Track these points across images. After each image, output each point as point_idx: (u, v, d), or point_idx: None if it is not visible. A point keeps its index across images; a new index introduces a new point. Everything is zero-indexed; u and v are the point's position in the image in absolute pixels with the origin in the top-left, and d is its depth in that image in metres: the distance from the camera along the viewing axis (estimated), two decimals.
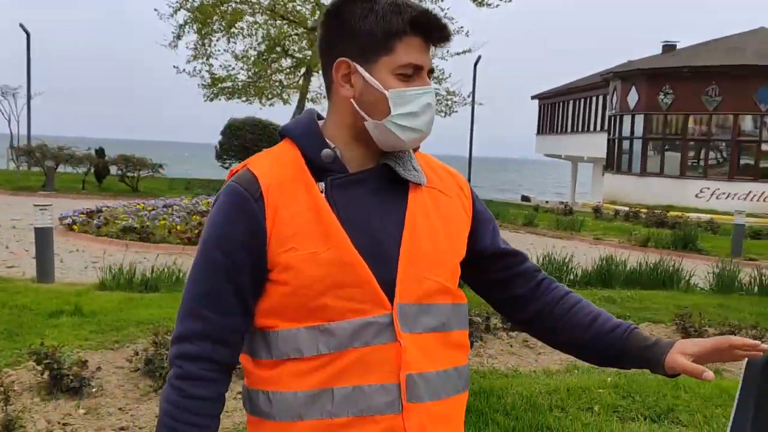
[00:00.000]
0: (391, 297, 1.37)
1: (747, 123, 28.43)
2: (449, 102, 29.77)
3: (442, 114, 30.22)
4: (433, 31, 1.41)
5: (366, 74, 1.40)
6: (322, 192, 1.39)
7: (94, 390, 4.61)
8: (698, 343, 1.51)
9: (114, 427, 4.15)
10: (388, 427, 1.36)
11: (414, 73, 1.40)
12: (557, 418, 4.54)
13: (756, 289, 9.54)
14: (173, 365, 1.40)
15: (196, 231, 12.27)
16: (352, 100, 1.42)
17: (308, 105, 30.75)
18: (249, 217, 1.37)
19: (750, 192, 27.64)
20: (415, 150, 1.52)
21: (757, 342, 1.49)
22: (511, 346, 6.22)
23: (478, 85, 29.66)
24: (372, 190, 1.43)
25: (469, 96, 29.18)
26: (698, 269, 10.35)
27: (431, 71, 1.44)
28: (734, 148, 28.49)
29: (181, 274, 8.36)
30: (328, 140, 1.44)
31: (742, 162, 28.68)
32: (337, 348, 1.36)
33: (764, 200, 27.37)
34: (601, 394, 4.96)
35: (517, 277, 1.61)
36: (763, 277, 9.61)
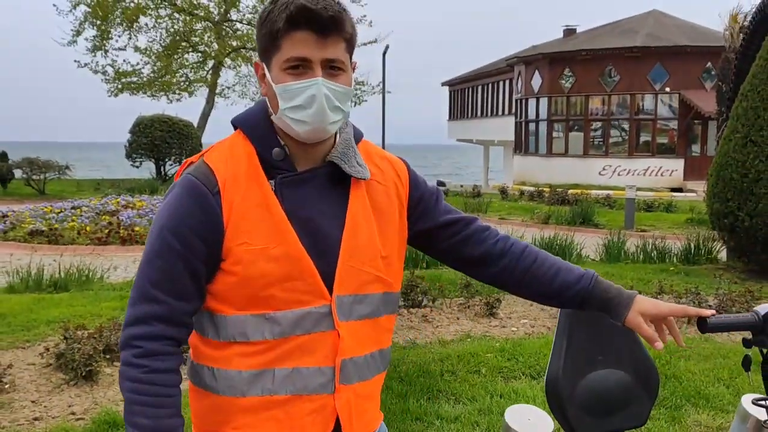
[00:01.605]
0: (330, 289, 1.47)
1: (644, 102, 29.91)
2: (357, 92, 30.17)
3: (352, 104, 30.59)
4: (316, 22, 1.42)
5: (267, 73, 1.49)
6: (273, 190, 1.46)
7: (6, 386, 4.76)
8: (657, 306, 1.63)
9: (27, 419, 4.33)
10: (321, 405, 1.48)
11: (303, 66, 1.44)
12: (447, 381, 4.99)
13: (641, 256, 10.34)
14: (130, 346, 1.43)
15: (106, 231, 12.25)
16: (265, 97, 1.53)
17: (217, 99, 30.57)
18: (206, 210, 1.43)
19: (648, 167, 29.16)
20: (360, 140, 1.61)
21: (711, 311, 1.67)
22: (411, 321, 6.65)
23: (391, 74, 30.13)
24: (317, 187, 1.50)
25: (378, 85, 29.62)
26: (592, 242, 11.08)
27: (329, 61, 1.45)
28: (632, 126, 29.97)
29: (90, 274, 8.44)
30: (278, 137, 1.51)
31: (641, 139, 30.19)
32: (281, 335, 1.45)
33: (661, 174, 28.94)
34: (488, 359, 5.45)
35: (466, 240, 1.67)
36: (647, 246, 10.42)
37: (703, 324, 1.71)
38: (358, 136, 1.62)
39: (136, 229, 12.40)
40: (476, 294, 7.21)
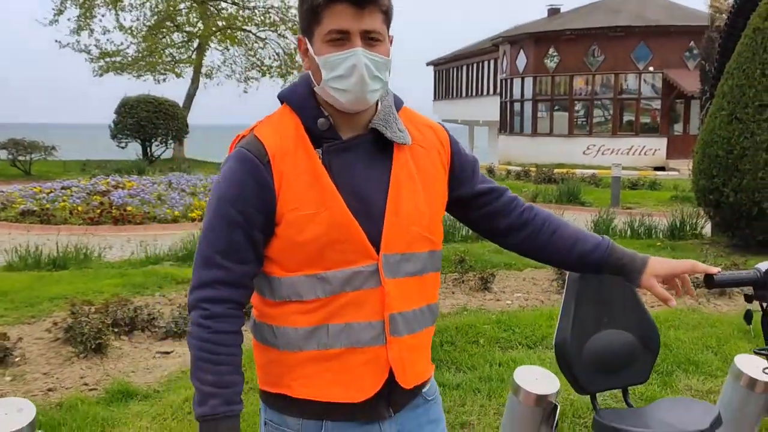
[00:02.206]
0: (377, 249, 1.56)
1: (628, 81, 30.12)
2: None
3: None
4: None
5: (309, 46, 1.56)
6: (319, 158, 1.55)
7: (17, 359, 4.87)
8: (669, 265, 1.73)
9: (42, 389, 4.45)
10: (374, 356, 1.58)
11: (343, 38, 1.50)
12: (447, 352, 5.15)
13: (629, 232, 10.56)
14: (197, 308, 1.54)
15: (98, 211, 12.29)
16: (309, 71, 1.60)
17: (202, 79, 30.42)
18: (259, 180, 1.52)
19: (632, 147, 29.44)
20: (401, 107, 1.68)
21: (717, 269, 1.80)
22: None
23: None
24: (362, 154, 1.58)
25: None
26: (581, 219, 11.28)
27: (367, 33, 1.52)
28: (616, 105, 30.20)
29: (88, 252, 8.52)
30: (322, 108, 1.59)
31: (625, 119, 30.44)
32: (332, 293, 1.55)
33: (644, 154, 29.24)
34: (486, 329, 5.61)
35: (497, 211, 1.77)
36: (634, 223, 10.64)
37: (710, 280, 1.86)
38: (398, 104, 1.69)
39: (128, 209, 12.44)
40: (470, 269, 7.37)
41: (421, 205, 1.63)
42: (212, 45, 30.24)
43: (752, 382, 2.94)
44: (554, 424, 2.80)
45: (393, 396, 1.65)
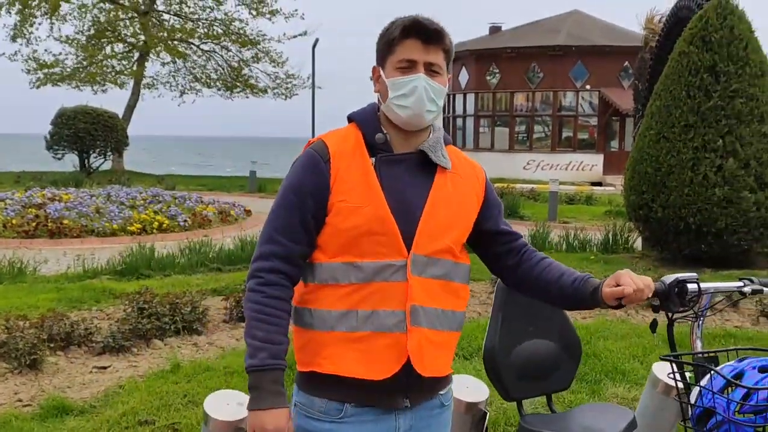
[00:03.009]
0: (409, 248, 1.82)
1: (567, 99, 30.95)
2: (289, 85, 30.13)
3: (283, 97, 30.54)
4: (423, 33, 1.84)
5: (382, 73, 1.91)
6: (373, 164, 1.85)
7: None
8: (615, 275, 1.90)
9: None
10: (395, 341, 1.81)
11: (410, 66, 1.85)
12: None
13: (564, 246, 10.87)
14: (254, 276, 1.83)
15: (34, 224, 12.02)
16: (377, 93, 1.94)
17: (143, 91, 30.00)
18: (318, 174, 1.83)
19: (570, 162, 30.22)
20: (448, 144, 1.98)
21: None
22: None
23: (321, 68, 30.22)
24: (409, 168, 1.88)
25: (309, 78, 29.66)
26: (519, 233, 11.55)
27: (430, 64, 1.86)
28: (555, 122, 30.99)
29: (23, 266, 8.34)
30: (382, 127, 1.91)
31: (563, 135, 31.24)
32: (364, 280, 1.80)
33: (582, 169, 30.03)
34: None
35: (510, 251, 2.05)
36: (569, 237, 10.97)
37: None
38: (447, 140, 2.00)
39: (65, 222, 12.19)
40: None
41: (452, 222, 1.91)
42: (153, 56, 29.87)
43: (668, 389, 3.12)
44: (483, 431, 2.92)
45: (411, 386, 1.87)
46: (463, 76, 32.40)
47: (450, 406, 2.03)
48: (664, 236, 9.42)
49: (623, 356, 5.46)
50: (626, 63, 28.51)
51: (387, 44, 1.88)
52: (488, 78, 31.63)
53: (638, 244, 10.82)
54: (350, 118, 1.97)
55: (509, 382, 2.76)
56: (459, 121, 33.29)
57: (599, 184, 28.25)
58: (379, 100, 1.94)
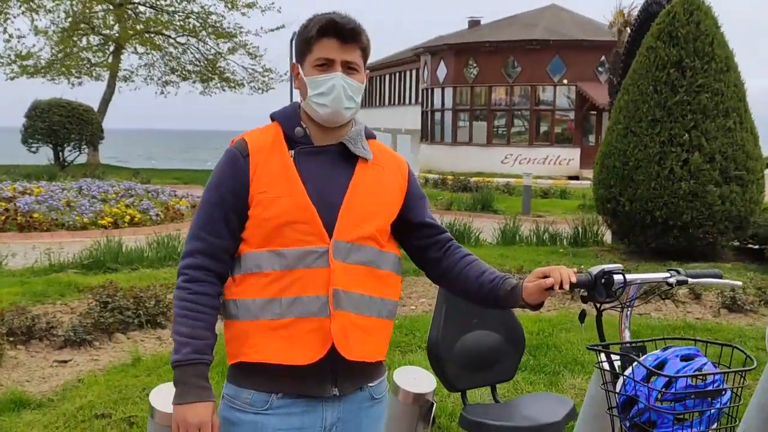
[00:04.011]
0: (330, 235, 1.86)
1: (544, 93, 31.09)
2: (266, 79, 29.99)
3: (260, 91, 30.41)
4: (340, 32, 1.88)
5: (300, 70, 1.94)
6: (292, 157, 1.90)
7: None
8: (536, 284, 1.92)
9: None
10: (319, 325, 1.84)
11: (327, 65, 1.89)
12: None
13: (534, 240, 10.96)
14: (181, 274, 1.88)
15: (3, 217, 11.91)
16: (297, 90, 1.97)
17: (119, 84, 29.75)
18: (238, 170, 1.88)
19: (547, 156, 30.38)
20: (371, 138, 2.02)
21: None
22: None
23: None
24: (329, 159, 1.93)
25: (286, 73, 29.54)
26: (490, 226, 11.64)
27: (347, 63, 1.90)
28: (533, 116, 31.12)
29: None
30: (302, 122, 1.96)
31: (541, 129, 31.39)
32: (287, 267, 1.84)
33: (559, 163, 30.21)
34: None
35: (434, 244, 2.08)
36: (540, 230, 11.06)
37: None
38: (369, 134, 2.05)
39: (35, 215, 12.08)
40: None
41: (373, 210, 1.95)
42: (130, 49, 29.61)
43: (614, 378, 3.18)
44: (431, 421, 2.96)
45: (338, 372, 1.89)
46: (442, 70, 32.44)
47: (382, 400, 2.04)
48: (631, 229, 9.53)
49: (583, 348, 5.52)
50: (603, 57, 28.68)
51: (305, 43, 1.92)
52: (466, 72, 31.69)
53: (607, 237, 10.94)
54: (272, 117, 2.02)
55: (453, 373, 2.80)
56: (437, 115, 33.33)
57: (576, 178, 28.44)
58: (300, 95, 2.00)
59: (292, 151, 1.92)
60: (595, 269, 2.11)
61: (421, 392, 2.92)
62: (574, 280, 1.95)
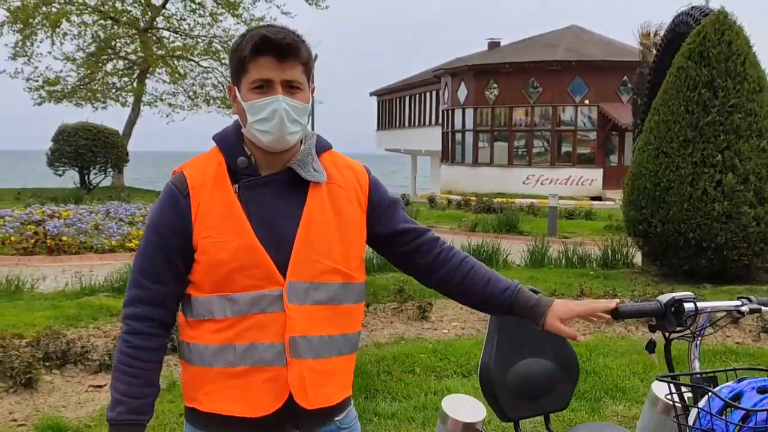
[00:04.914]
0: (284, 275, 1.70)
1: (565, 114, 31.00)
2: None
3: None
4: (276, 49, 1.69)
5: (238, 94, 1.75)
6: (236, 192, 1.73)
7: None
8: (568, 307, 1.86)
9: None
10: (275, 375, 1.71)
11: (266, 86, 1.70)
12: (384, 381, 5.22)
13: (563, 262, 10.84)
14: (124, 324, 1.76)
15: (32, 241, 12.01)
16: (237, 115, 1.79)
17: (143, 108, 30.08)
18: (178, 210, 1.72)
19: (569, 177, 30.20)
20: (326, 150, 1.85)
21: (615, 302, 1.93)
22: None
23: (319, 84, 30.24)
24: (277, 190, 1.75)
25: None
26: (517, 248, 11.54)
27: (288, 82, 1.71)
28: (554, 137, 31.01)
29: (20, 283, 8.31)
30: (246, 149, 1.77)
31: (563, 150, 31.26)
32: (239, 313, 1.70)
33: (581, 184, 30.02)
34: (422, 359, 5.70)
35: (416, 250, 1.89)
36: (569, 252, 10.93)
37: (614, 313, 1.99)
38: (325, 146, 1.87)
39: (64, 239, 12.18)
40: (409, 299, 7.47)
41: (333, 239, 1.78)
42: (153, 74, 29.93)
43: (667, 408, 3.07)
44: None
45: (299, 418, 1.77)
46: (462, 92, 32.47)
47: (352, 428, 1.90)
48: (663, 251, 9.39)
49: (623, 373, 5.42)
50: (625, 77, 28.56)
51: (239, 63, 1.73)
52: (487, 93, 31.69)
53: (638, 259, 10.78)
54: (214, 140, 1.84)
55: (505, 401, 2.72)
56: (458, 136, 33.32)
57: (599, 198, 28.22)
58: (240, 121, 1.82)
59: (236, 185, 1.74)
60: (664, 297, 2.05)
61: (471, 421, 2.85)
62: (613, 305, 1.90)
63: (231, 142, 1.80)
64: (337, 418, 1.85)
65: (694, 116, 8.92)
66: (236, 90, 1.77)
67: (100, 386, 5.13)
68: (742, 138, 8.80)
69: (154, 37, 29.58)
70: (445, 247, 1.95)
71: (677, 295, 2.04)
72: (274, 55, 1.69)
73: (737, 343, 6.47)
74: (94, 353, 5.52)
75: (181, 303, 1.81)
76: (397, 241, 1.91)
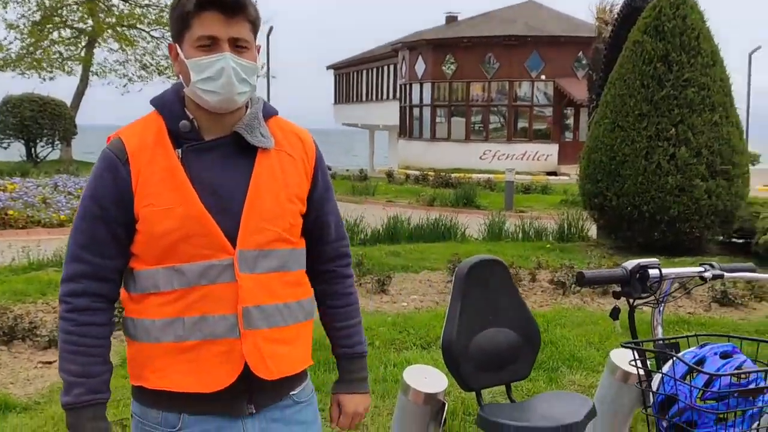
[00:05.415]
0: (234, 244, 1.61)
1: (522, 89, 31.17)
2: None
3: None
4: (223, 4, 1.58)
5: (180, 51, 1.64)
6: (179, 157, 1.61)
7: None
8: (349, 400, 1.92)
9: None
10: (228, 348, 1.62)
11: (212, 44, 1.59)
12: None
13: (520, 235, 10.92)
14: (62, 302, 1.63)
15: None
16: (178, 74, 1.68)
17: (92, 78, 29.30)
18: (118, 178, 1.60)
19: (526, 152, 30.47)
20: (272, 116, 1.75)
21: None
22: None
23: (276, 57, 29.81)
24: (223, 155, 1.64)
25: (263, 68, 29.22)
26: (475, 222, 11.58)
27: (235, 40, 1.61)
28: (511, 112, 31.20)
29: None
30: (188, 112, 1.66)
31: (519, 125, 31.47)
32: (187, 285, 1.60)
33: (537, 159, 30.32)
34: (381, 332, 5.67)
35: (322, 250, 1.85)
36: (525, 226, 11.02)
37: (581, 278, 1.96)
38: (270, 112, 1.77)
39: (10, 212, 11.80)
40: (368, 272, 7.43)
41: (282, 206, 1.70)
42: (102, 44, 29.12)
43: (626, 375, 3.10)
44: (442, 422, 2.86)
45: (254, 392, 1.69)
46: (420, 66, 32.36)
47: (309, 402, 1.84)
48: (618, 224, 9.52)
49: (580, 343, 5.47)
50: (580, 53, 28.82)
51: (181, 18, 1.62)
52: (444, 68, 31.65)
53: (593, 232, 10.93)
54: (151, 103, 1.72)
55: (468, 372, 2.69)
56: (416, 111, 33.26)
57: (554, 173, 28.55)
58: (182, 81, 1.69)
59: (179, 150, 1.63)
60: (630, 263, 2.03)
61: (432, 392, 2.83)
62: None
63: (171, 105, 1.68)
64: (293, 392, 1.78)
65: (649, 90, 9.01)
66: (177, 47, 1.65)
67: (50, 362, 4.97)
68: (696, 112, 8.92)
69: (102, 5, 28.71)
70: (340, 270, 1.90)
71: (642, 261, 2.03)
72: (220, 11, 1.59)
73: (689, 313, 6.59)
74: (42, 329, 5.35)
75: (125, 278, 1.70)
76: (315, 229, 1.83)
